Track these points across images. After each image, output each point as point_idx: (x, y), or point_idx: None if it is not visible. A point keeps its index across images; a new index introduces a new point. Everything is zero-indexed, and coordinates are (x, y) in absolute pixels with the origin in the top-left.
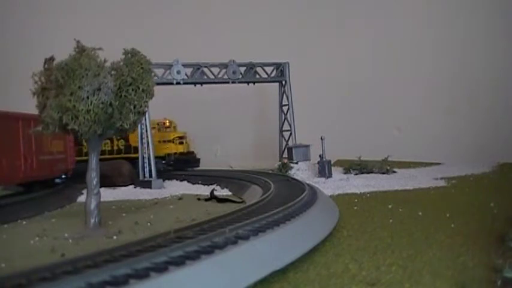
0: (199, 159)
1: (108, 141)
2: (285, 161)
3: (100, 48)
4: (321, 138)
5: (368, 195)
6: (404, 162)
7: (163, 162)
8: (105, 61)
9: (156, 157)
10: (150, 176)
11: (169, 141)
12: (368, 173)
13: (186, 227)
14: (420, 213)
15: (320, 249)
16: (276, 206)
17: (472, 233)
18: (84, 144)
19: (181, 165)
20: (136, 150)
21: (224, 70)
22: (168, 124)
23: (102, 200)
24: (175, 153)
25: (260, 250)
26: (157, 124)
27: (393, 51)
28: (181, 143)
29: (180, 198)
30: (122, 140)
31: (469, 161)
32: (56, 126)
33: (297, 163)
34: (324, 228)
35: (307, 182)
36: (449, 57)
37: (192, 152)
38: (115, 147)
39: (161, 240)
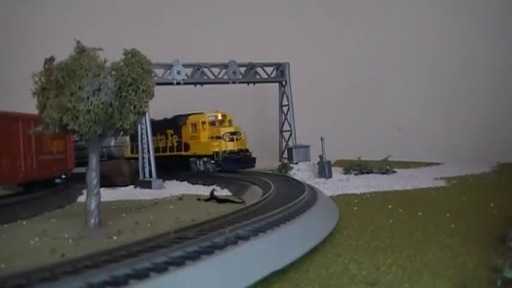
0: (254, 159)
1: (163, 136)
2: (285, 161)
3: (100, 49)
4: (321, 138)
5: (368, 195)
6: (404, 162)
7: (213, 161)
8: (105, 61)
9: (205, 156)
10: (150, 176)
11: (218, 137)
12: (368, 173)
13: (186, 227)
14: (420, 214)
15: (320, 249)
16: (276, 207)
17: (472, 233)
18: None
19: (231, 165)
20: (187, 147)
21: (224, 70)
22: (220, 118)
23: (102, 200)
24: (224, 151)
25: (260, 250)
26: (208, 118)
27: (393, 51)
28: (231, 139)
29: (180, 199)
30: (175, 136)
31: (469, 161)
32: (56, 126)
33: (297, 163)
34: (323, 228)
35: (307, 182)
36: (449, 57)
37: (247, 150)
38: (169, 144)
39: (161, 240)
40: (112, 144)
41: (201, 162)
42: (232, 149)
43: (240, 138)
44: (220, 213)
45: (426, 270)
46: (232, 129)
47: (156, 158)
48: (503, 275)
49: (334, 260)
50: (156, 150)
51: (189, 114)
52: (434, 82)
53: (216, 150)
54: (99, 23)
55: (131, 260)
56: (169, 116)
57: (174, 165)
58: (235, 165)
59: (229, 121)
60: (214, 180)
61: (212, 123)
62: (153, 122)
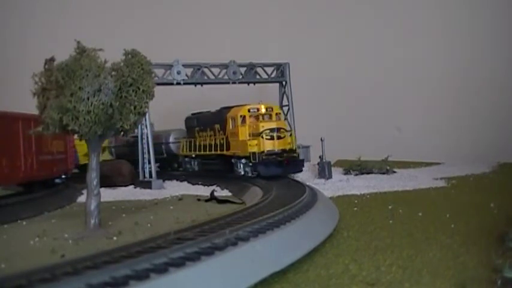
0: (301, 162)
1: (212, 132)
2: None
3: (100, 49)
4: (321, 139)
5: (368, 196)
6: (405, 162)
7: (251, 164)
8: (105, 62)
9: (243, 157)
10: (150, 176)
11: (257, 134)
12: (368, 173)
13: (186, 228)
14: (420, 214)
15: (320, 250)
16: (276, 208)
17: (472, 233)
18: (197, 135)
19: (269, 169)
20: (228, 146)
21: (224, 70)
22: (264, 111)
23: (102, 200)
24: (261, 152)
25: (260, 252)
26: (249, 111)
27: (393, 51)
28: (271, 137)
29: (180, 199)
30: (221, 131)
31: (469, 161)
32: (56, 126)
33: None
34: (323, 229)
35: (307, 183)
36: (449, 57)
37: (292, 151)
38: (215, 141)
39: (161, 241)
40: (170, 140)
41: (241, 165)
42: (272, 149)
43: (284, 136)
44: (221, 214)
45: (426, 270)
46: (273, 125)
47: (202, 156)
48: (503, 275)
49: (334, 261)
50: (204, 148)
51: (232, 107)
52: (434, 82)
53: (253, 150)
54: (99, 23)
55: (131, 260)
56: (218, 108)
57: (219, 166)
58: (274, 170)
59: (277, 114)
60: (214, 181)
61: (255, 118)
62: (202, 115)
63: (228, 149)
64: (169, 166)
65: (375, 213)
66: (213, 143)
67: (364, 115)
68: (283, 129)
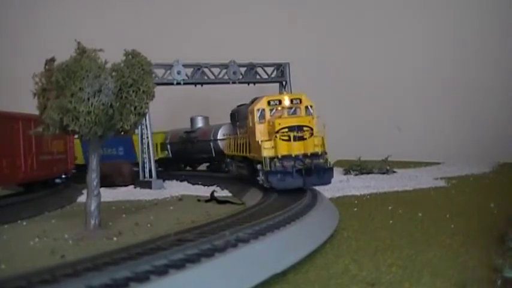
0: (328, 170)
1: (245, 129)
2: None
3: (101, 50)
4: None
5: (368, 196)
6: (404, 162)
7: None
8: (105, 62)
9: (260, 162)
10: (150, 176)
11: (273, 134)
12: (368, 173)
13: (187, 229)
14: (420, 214)
15: (320, 250)
16: (277, 209)
17: (472, 233)
18: (238, 132)
19: (283, 180)
20: (250, 147)
21: (224, 70)
22: (288, 104)
23: (102, 200)
24: (273, 158)
25: (260, 253)
26: (269, 104)
27: (393, 51)
28: (288, 138)
29: (180, 199)
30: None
31: (469, 161)
32: (56, 127)
33: None
34: (324, 230)
35: None
36: (449, 57)
37: (319, 155)
38: (241, 141)
39: (161, 242)
40: (219, 136)
41: (259, 172)
42: (288, 153)
43: (306, 138)
44: (221, 214)
45: (426, 270)
46: (293, 122)
47: (236, 158)
48: (503, 275)
49: (335, 261)
50: (236, 148)
51: (257, 98)
52: (434, 82)
53: (266, 154)
54: (99, 23)
55: (131, 262)
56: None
57: (246, 171)
58: (291, 181)
59: (307, 108)
60: (214, 181)
61: (279, 112)
62: (242, 108)
63: (249, 151)
64: (218, 167)
65: (375, 214)
66: (241, 142)
67: (364, 115)
68: (308, 127)
